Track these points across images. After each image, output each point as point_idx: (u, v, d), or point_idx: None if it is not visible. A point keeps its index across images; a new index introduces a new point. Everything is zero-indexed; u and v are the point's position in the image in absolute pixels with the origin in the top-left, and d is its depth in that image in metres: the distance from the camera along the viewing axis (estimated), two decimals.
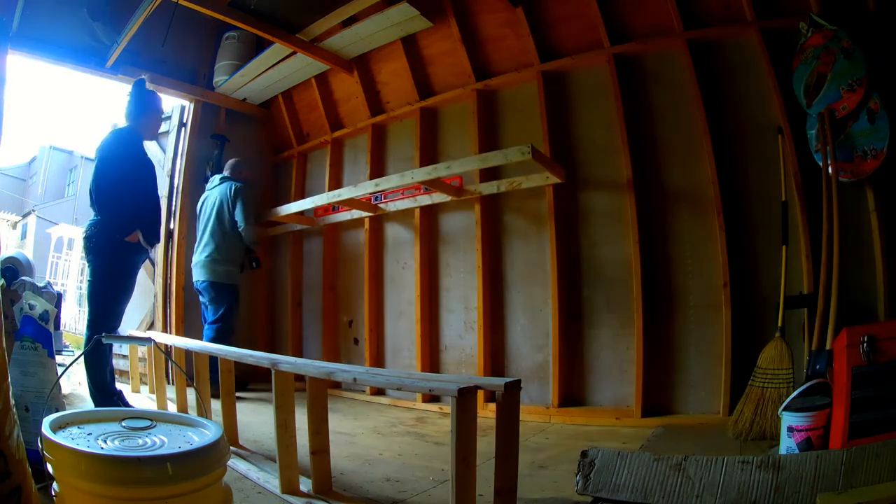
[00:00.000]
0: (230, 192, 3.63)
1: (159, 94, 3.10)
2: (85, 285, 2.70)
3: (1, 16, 1.46)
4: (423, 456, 2.30)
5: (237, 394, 3.35)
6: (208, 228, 3.62)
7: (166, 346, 2.78)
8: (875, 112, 2.20)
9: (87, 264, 2.69)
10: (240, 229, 3.61)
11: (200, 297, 3.67)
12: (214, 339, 3.44)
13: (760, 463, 1.51)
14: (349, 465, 2.12)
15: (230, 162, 3.85)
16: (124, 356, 3.82)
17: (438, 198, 3.43)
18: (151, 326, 4.10)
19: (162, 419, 1.36)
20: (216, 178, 3.78)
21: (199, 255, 3.62)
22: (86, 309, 2.76)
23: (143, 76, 2.87)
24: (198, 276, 3.60)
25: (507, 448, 1.53)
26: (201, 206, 3.77)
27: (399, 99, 3.83)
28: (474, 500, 1.40)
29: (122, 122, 2.82)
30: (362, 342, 3.85)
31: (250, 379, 3.70)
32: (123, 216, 2.60)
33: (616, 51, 2.93)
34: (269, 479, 1.88)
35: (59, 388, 2.05)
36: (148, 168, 2.82)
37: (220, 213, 3.61)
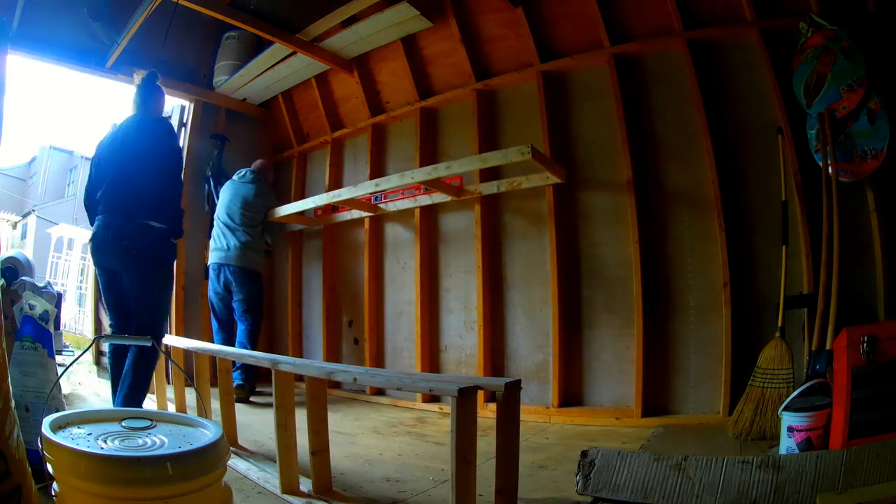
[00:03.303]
0: (262, 190, 3.81)
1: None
2: (140, 294, 2.32)
3: (1, 16, 1.45)
4: (423, 456, 2.30)
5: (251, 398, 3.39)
6: (236, 217, 3.67)
7: (166, 346, 2.78)
8: (875, 112, 2.20)
9: (137, 270, 2.31)
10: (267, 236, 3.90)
11: (216, 286, 3.62)
12: (254, 334, 3.54)
13: (760, 463, 1.51)
14: (349, 465, 2.12)
15: (259, 162, 4.02)
16: None
17: (438, 198, 3.43)
18: None
19: (162, 419, 1.36)
20: (248, 174, 3.85)
21: (227, 241, 3.63)
22: (129, 319, 2.40)
23: (152, 70, 2.66)
24: (226, 260, 3.58)
25: (507, 448, 1.53)
26: (221, 194, 3.84)
27: (399, 99, 3.83)
28: (474, 500, 1.40)
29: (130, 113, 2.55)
30: (362, 342, 3.85)
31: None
32: (179, 219, 2.43)
33: (616, 51, 2.92)
34: (269, 479, 1.88)
35: (59, 388, 2.05)
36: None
37: (249, 205, 3.71)
